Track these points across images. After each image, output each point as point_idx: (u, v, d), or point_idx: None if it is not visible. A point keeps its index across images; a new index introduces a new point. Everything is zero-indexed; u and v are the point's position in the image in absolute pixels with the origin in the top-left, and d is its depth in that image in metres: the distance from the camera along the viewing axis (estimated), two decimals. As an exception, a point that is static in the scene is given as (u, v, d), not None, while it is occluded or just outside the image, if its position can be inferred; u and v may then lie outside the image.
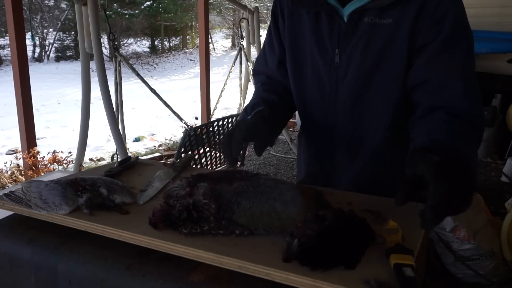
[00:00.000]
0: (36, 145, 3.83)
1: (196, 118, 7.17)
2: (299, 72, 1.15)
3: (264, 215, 0.78)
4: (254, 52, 6.30)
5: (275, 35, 1.19)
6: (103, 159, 5.18)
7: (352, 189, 1.08)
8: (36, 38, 14.35)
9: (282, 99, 1.16)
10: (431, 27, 0.97)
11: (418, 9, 0.97)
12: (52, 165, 4.06)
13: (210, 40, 12.62)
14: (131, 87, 9.63)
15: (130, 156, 1.36)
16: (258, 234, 0.78)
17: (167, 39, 17.47)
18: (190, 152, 2.98)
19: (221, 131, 3.33)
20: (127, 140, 4.42)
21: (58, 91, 10.46)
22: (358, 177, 1.14)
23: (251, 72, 6.41)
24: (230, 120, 3.44)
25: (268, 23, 1.24)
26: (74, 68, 13.11)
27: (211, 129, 3.23)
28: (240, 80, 6.50)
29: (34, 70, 11.37)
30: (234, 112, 7.31)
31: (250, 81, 6.49)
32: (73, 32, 14.79)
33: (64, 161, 4.25)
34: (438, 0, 0.97)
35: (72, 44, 15.34)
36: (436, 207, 0.71)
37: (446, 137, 0.88)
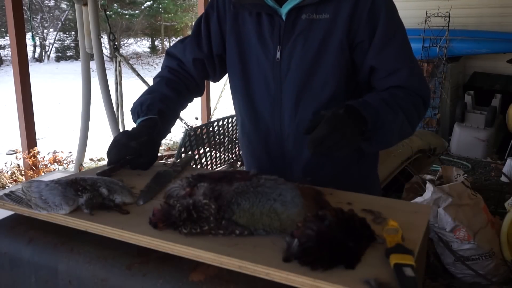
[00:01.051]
0: (36, 145, 3.83)
1: (196, 118, 7.17)
2: (246, 72, 1.20)
3: (264, 216, 0.78)
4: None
5: (205, 35, 1.25)
6: (103, 159, 5.18)
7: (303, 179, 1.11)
8: (36, 38, 14.35)
9: (180, 97, 1.24)
10: (367, 25, 1.07)
11: (352, 6, 1.06)
12: (52, 165, 4.06)
13: (210, 40, 12.58)
14: (131, 87, 9.63)
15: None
16: (258, 234, 0.78)
17: (167, 39, 17.47)
18: (190, 152, 2.98)
19: (221, 131, 3.33)
20: (127, 140, 4.41)
21: (58, 91, 10.46)
22: (308, 166, 1.19)
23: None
24: (230, 120, 3.44)
25: None
26: (74, 68, 13.10)
27: (211, 129, 3.23)
28: (240, 80, 6.49)
29: (34, 70, 11.36)
30: (234, 112, 7.30)
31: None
32: (73, 32, 14.79)
33: (64, 161, 4.26)
34: (371, 0, 1.07)
35: (72, 44, 15.34)
36: (313, 140, 0.92)
37: (372, 98, 1.04)
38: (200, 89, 1.33)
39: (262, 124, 1.22)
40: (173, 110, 1.22)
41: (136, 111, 1.17)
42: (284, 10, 1.10)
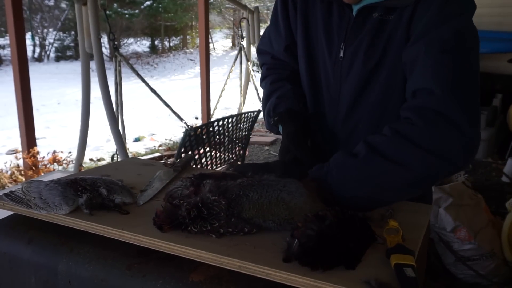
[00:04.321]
0: (36, 145, 3.83)
1: (196, 118, 7.17)
2: (312, 61, 1.13)
3: (272, 205, 0.79)
4: (254, 52, 6.30)
5: (283, 20, 1.17)
6: (103, 159, 5.18)
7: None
8: (36, 38, 14.35)
9: (293, 86, 1.17)
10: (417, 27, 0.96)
11: (412, 9, 0.97)
12: (52, 165, 4.06)
13: (210, 40, 12.61)
14: (131, 87, 9.62)
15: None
16: (267, 227, 0.78)
17: (167, 39, 17.47)
18: (190, 152, 2.97)
19: (221, 131, 3.32)
20: (127, 140, 4.42)
21: (58, 91, 10.46)
22: None
23: (251, 71, 6.41)
24: (230, 120, 3.43)
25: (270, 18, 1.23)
26: (74, 68, 13.10)
27: (211, 129, 3.22)
28: (240, 80, 6.50)
29: (34, 70, 11.35)
30: (234, 112, 7.31)
31: (250, 81, 6.49)
32: (73, 32, 14.78)
33: (64, 161, 4.25)
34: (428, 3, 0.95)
35: (72, 44, 15.33)
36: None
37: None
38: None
39: (321, 122, 1.15)
40: (294, 97, 1.16)
41: (266, 120, 1.18)
42: (357, 5, 1.01)
